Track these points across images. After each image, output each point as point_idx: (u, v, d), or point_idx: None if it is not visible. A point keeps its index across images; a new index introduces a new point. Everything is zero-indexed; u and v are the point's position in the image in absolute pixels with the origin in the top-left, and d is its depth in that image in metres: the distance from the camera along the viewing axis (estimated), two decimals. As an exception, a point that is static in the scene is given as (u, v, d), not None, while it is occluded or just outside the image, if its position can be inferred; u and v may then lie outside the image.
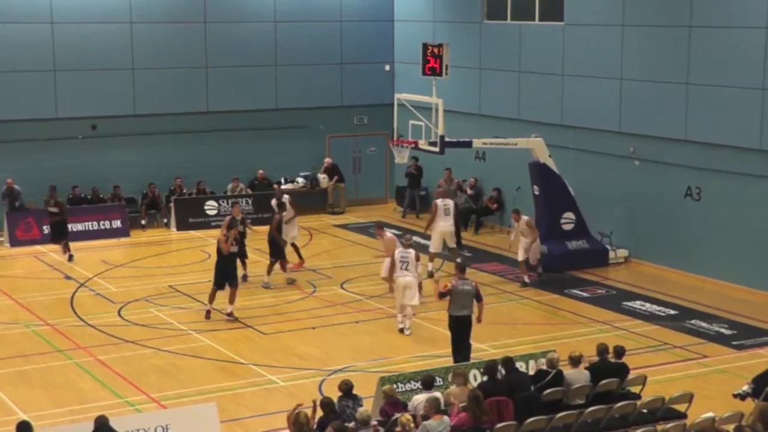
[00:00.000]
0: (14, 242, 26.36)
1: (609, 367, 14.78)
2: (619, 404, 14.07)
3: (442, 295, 17.28)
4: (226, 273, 20.34)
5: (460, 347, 17.14)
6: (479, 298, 17.25)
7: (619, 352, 15.05)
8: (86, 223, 27.01)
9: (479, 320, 17.44)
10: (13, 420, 15.04)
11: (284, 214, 23.00)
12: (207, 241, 26.47)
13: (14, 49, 27.22)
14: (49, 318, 20.58)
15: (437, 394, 13.82)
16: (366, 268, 24.15)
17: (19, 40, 27.23)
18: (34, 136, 27.58)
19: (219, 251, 20.45)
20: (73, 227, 26.56)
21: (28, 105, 27.43)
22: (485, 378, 14.41)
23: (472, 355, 17.38)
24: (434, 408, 12.82)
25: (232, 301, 20.28)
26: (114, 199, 28.02)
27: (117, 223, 27.45)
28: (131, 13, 28.36)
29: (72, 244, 25.29)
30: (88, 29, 27.92)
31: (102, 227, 27.31)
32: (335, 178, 30.58)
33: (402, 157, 24.08)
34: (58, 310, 21.14)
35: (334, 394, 13.69)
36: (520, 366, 15.53)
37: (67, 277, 23.56)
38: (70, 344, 19.02)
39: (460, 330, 17.17)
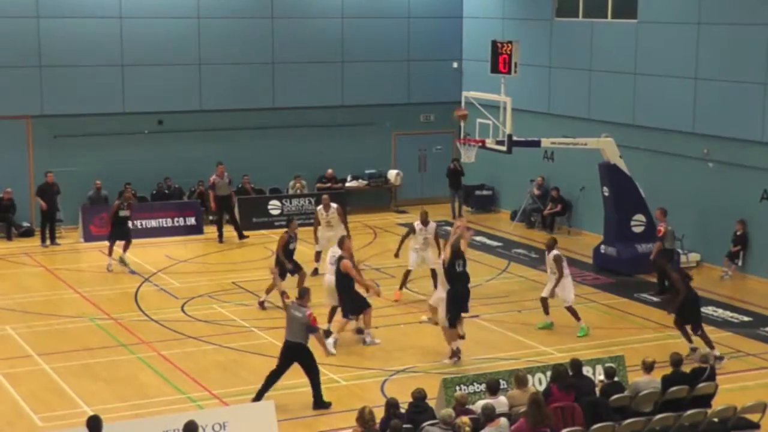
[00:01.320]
0: (88, 237, 26.53)
1: (683, 378, 14.35)
2: (689, 412, 13.67)
3: None
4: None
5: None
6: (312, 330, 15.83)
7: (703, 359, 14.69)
8: (160, 220, 27.03)
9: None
10: (78, 413, 15.17)
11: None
12: (271, 239, 26.36)
13: (82, 43, 27.45)
14: (113, 312, 20.66)
15: (502, 398, 13.54)
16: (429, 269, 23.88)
17: (88, 34, 27.44)
18: (102, 130, 27.78)
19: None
20: (147, 224, 26.67)
21: (95, 99, 27.64)
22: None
23: (539, 359, 17.08)
24: (487, 417, 12.52)
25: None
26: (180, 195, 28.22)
27: (191, 221, 27.44)
28: (199, 8, 28.45)
29: (145, 240, 25.36)
30: (156, 24, 28.06)
31: (176, 224, 27.36)
32: (401, 174, 30.32)
33: (469, 156, 23.78)
34: (122, 305, 21.23)
35: (396, 394, 13.47)
36: (587, 371, 15.21)
37: (132, 272, 23.65)
38: (133, 339, 19.07)
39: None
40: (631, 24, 25.91)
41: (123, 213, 23.94)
